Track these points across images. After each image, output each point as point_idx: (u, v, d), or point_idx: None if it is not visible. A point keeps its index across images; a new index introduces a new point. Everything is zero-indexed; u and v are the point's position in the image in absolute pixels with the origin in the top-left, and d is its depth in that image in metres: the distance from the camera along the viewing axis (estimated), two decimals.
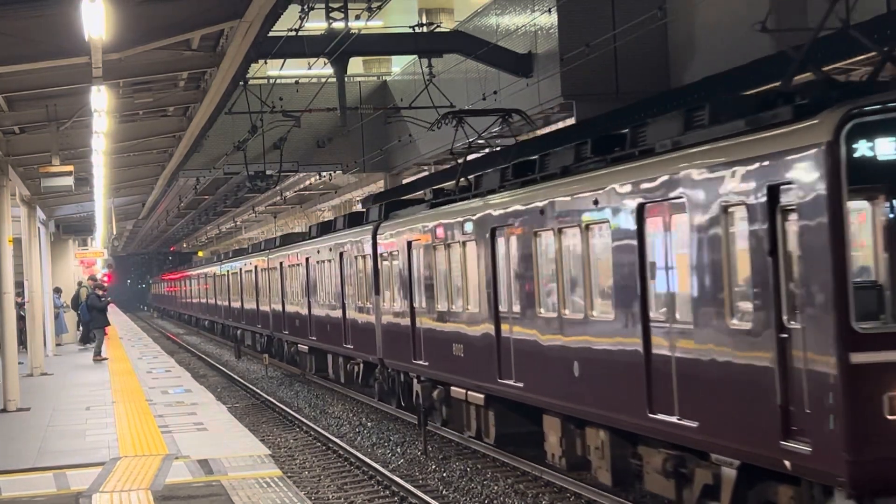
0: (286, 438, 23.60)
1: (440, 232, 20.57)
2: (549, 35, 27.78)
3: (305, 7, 25.59)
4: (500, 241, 17.98)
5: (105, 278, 51.31)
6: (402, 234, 23.07)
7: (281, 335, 39.39)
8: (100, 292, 35.99)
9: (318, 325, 32.15)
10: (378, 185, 46.07)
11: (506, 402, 18.58)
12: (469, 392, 19.78)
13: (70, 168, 23.39)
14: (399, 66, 44.86)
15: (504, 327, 17.95)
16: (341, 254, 28.30)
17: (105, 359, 34.61)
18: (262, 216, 73.44)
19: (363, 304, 26.62)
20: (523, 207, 16.86)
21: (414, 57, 33.39)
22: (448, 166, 37.35)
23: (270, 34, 17.63)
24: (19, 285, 31.34)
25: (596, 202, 14.30)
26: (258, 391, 32.54)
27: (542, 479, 17.43)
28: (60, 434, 19.16)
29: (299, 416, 26.14)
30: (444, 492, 17.28)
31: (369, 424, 24.85)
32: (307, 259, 32.93)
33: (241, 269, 48.46)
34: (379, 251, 24.96)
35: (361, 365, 27.97)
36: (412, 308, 22.62)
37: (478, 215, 18.67)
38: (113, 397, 24.36)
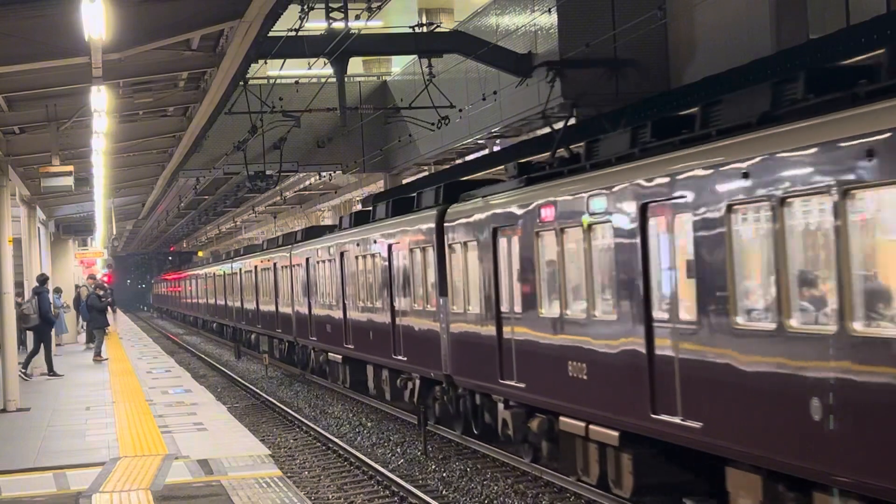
0: (286, 438, 23.60)
1: (548, 213, 16.05)
2: (549, 35, 27.76)
3: (305, 7, 25.56)
4: (657, 223, 13.23)
5: (105, 278, 51.23)
6: (483, 218, 18.70)
7: (307, 342, 34.97)
8: (100, 292, 36.00)
9: (356, 331, 28.03)
10: (378, 185, 46.07)
11: (657, 445, 13.89)
12: (593, 426, 15.13)
13: (70, 168, 23.39)
14: (399, 66, 44.83)
15: (661, 342, 13.24)
16: (390, 246, 24.42)
17: (105, 359, 34.61)
18: (262, 216, 73.40)
19: (421, 306, 22.54)
20: (708, 173, 12.03)
21: (414, 57, 33.36)
22: (448, 166, 37.38)
23: (270, 34, 17.61)
24: (19, 285, 31.33)
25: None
26: (258, 391, 32.53)
27: (542, 479, 17.43)
28: (60, 434, 19.16)
29: (299, 416, 26.14)
30: (444, 492, 17.28)
31: (369, 424, 24.85)
32: (341, 254, 29.15)
33: (255, 267, 44.50)
34: (447, 241, 20.70)
35: (417, 381, 23.47)
36: (499, 313, 18.27)
37: (617, 187, 13.95)
38: (113, 397, 24.36)
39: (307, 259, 33.56)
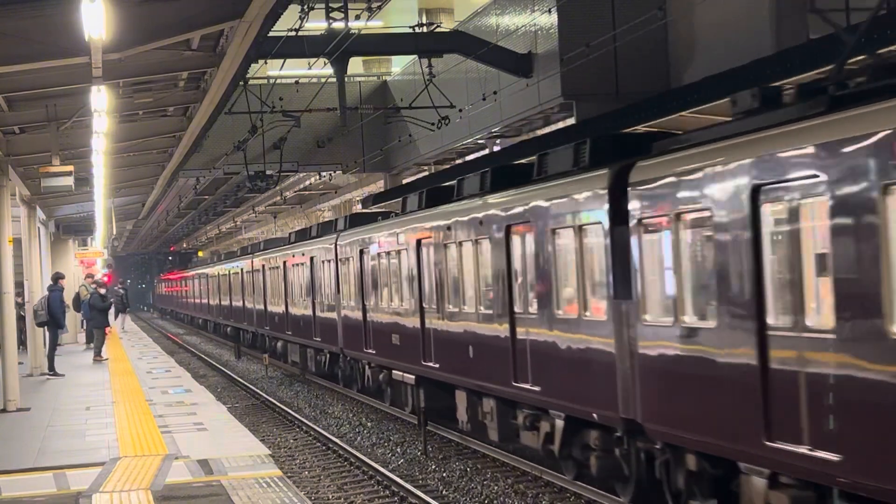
0: (286, 438, 23.60)
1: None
2: (549, 35, 27.77)
3: (305, 7, 25.57)
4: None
5: (105, 278, 51.22)
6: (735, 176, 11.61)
7: (360, 355, 28.23)
8: (101, 291, 36.02)
9: (442, 345, 21.22)
10: (378, 185, 46.07)
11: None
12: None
13: (70, 168, 23.39)
14: (399, 66, 44.84)
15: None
16: (508, 228, 17.39)
17: (105, 359, 34.62)
18: (262, 216, 73.42)
19: (574, 313, 15.26)
20: None
21: (414, 57, 33.37)
22: (448, 166, 37.37)
23: (270, 34, 17.62)
24: (19, 285, 31.33)
25: None
26: (258, 391, 32.54)
27: (542, 479, 17.43)
28: (60, 434, 19.16)
29: (299, 416, 26.14)
30: (444, 492, 17.28)
31: (369, 424, 24.85)
32: (419, 242, 22.47)
33: (284, 263, 38.49)
34: (635, 217, 13.37)
35: (559, 423, 16.29)
36: (762, 332, 11.25)
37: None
38: (113, 397, 24.35)
39: (360, 251, 27.37)
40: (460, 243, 19.81)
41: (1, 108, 20.53)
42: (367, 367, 28.27)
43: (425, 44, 29.95)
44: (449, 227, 20.40)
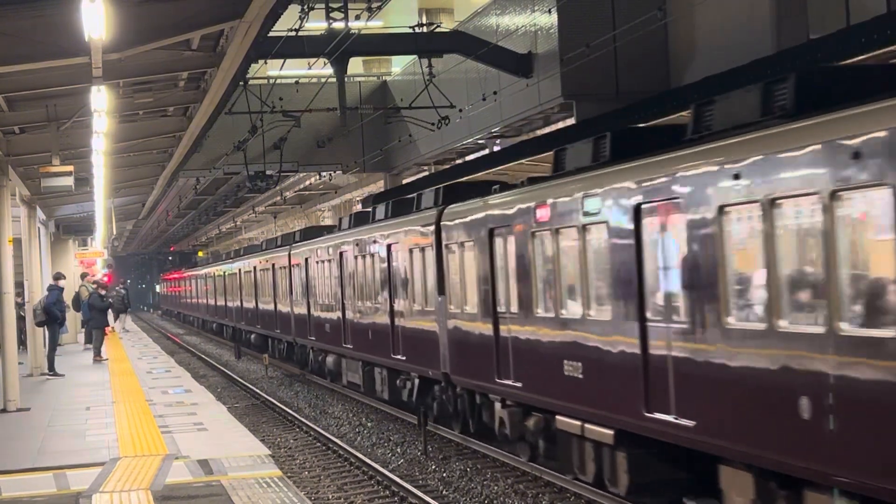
0: (286, 438, 23.61)
1: None
2: (550, 35, 27.77)
3: (305, 7, 25.59)
4: None
5: (105, 278, 51.22)
6: None
7: (459, 380, 20.60)
8: (102, 291, 36.03)
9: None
10: (378, 185, 46.08)
11: None
12: None
13: (70, 168, 23.39)
14: (399, 66, 44.86)
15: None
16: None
17: (105, 359, 34.62)
18: (262, 216, 73.47)
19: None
20: None
21: (414, 57, 33.39)
22: (448, 166, 37.38)
23: (270, 34, 17.64)
24: (19, 285, 31.33)
25: None
26: (258, 391, 32.54)
27: (542, 479, 17.43)
28: (60, 434, 19.16)
29: (299, 416, 26.14)
30: (444, 492, 17.28)
31: (369, 424, 24.85)
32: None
33: (341, 255, 29.15)
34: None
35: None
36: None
37: None
38: (113, 397, 24.35)
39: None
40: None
41: (1, 108, 20.54)
42: (501, 405, 18.67)
43: (425, 44, 29.97)
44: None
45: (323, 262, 32.24)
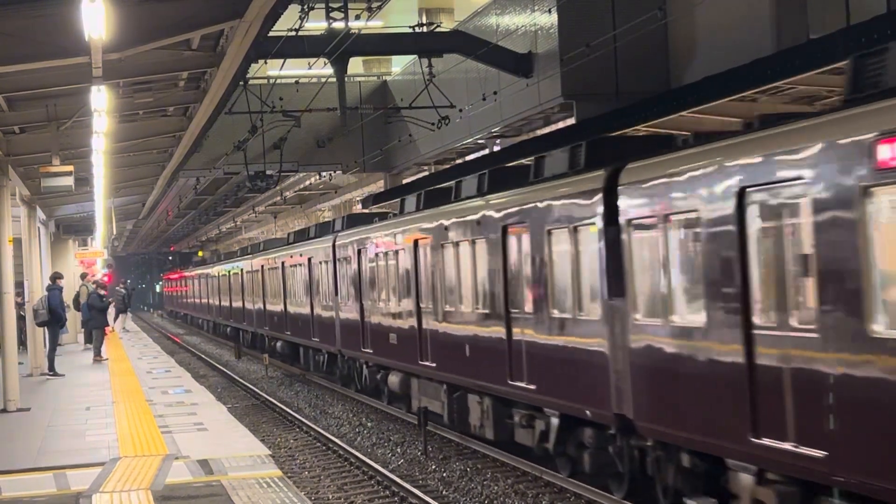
0: (286, 438, 23.61)
1: None
2: (549, 35, 27.77)
3: (305, 7, 25.59)
4: None
5: (105, 278, 51.20)
6: None
7: (654, 431, 13.60)
8: (102, 292, 36.04)
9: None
10: (378, 185, 46.07)
11: None
12: None
13: (70, 168, 23.39)
14: (399, 66, 44.85)
15: None
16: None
17: (105, 359, 34.62)
18: (262, 216, 73.47)
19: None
20: None
21: (414, 57, 33.38)
22: (448, 166, 37.39)
23: (270, 34, 17.63)
24: (19, 285, 31.33)
25: None
26: (258, 391, 32.54)
27: (542, 479, 17.43)
28: (60, 434, 19.16)
29: (299, 416, 26.14)
30: (444, 492, 17.28)
31: (369, 424, 24.85)
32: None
33: (413, 244, 22.64)
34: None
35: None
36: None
37: None
38: (113, 397, 24.35)
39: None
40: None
41: (1, 108, 20.53)
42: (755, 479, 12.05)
43: (425, 44, 29.96)
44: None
45: (387, 253, 24.58)
